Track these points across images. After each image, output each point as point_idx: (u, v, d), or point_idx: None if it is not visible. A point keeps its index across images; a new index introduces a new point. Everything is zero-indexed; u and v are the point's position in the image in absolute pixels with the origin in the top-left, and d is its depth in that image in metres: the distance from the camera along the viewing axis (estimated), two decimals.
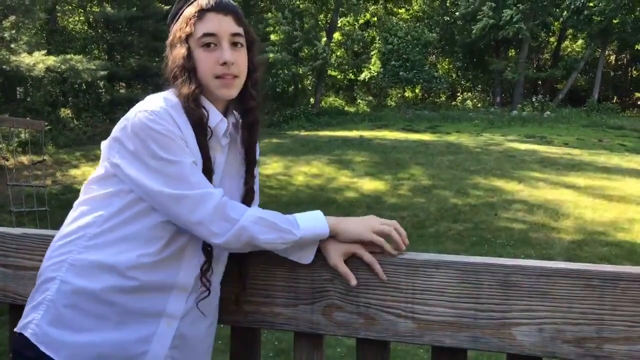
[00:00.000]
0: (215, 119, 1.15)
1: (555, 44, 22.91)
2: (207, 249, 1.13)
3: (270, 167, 11.17)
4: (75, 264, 1.08)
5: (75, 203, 1.17)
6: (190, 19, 1.13)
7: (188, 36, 1.13)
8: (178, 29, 1.15)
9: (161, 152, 1.05)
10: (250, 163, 1.22)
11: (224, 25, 1.13)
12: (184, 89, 1.11)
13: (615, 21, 17.96)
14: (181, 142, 1.08)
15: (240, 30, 1.15)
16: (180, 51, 1.12)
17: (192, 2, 1.15)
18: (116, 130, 1.11)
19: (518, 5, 18.27)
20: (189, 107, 1.10)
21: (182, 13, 1.16)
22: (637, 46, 19.87)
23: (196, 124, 1.11)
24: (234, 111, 1.23)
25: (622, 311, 0.99)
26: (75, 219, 1.14)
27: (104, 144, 1.16)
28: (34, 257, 1.31)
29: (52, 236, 1.21)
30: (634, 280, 0.99)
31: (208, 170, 1.11)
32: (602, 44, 19.36)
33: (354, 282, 1.10)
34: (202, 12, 1.12)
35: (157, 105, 1.09)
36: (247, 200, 1.21)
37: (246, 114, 1.20)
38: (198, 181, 1.07)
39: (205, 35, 1.12)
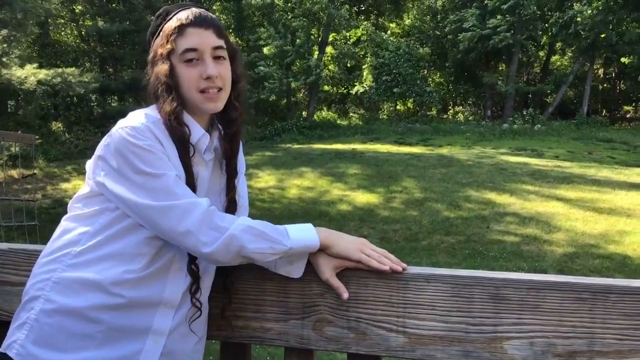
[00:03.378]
0: (197, 134, 1.15)
1: (544, 58, 23.22)
2: (193, 269, 1.11)
3: (262, 180, 11.15)
4: (60, 282, 1.07)
5: (61, 220, 1.16)
6: (170, 35, 1.12)
7: (170, 52, 1.12)
8: (159, 45, 1.14)
9: (144, 167, 1.05)
10: (230, 173, 1.21)
11: (206, 40, 1.12)
12: (166, 106, 1.10)
13: (602, 36, 18.26)
14: (163, 156, 1.08)
15: (221, 43, 1.15)
16: (162, 68, 1.11)
17: (171, 18, 1.14)
18: (100, 148, 1.11)
19: (505, 15, 18.53)
20: (170, 125, 1.10)
21: (161, 29, 1.15)
22: (623, 59, 20.18)
23: (178, 142, 1.11)
24: (219, 124, 1.22)
25: (613, 324, 0.99)
26: (60, 236, 1.13)
27: (88, 163, 1.15)
28: (20, 273, 1.29)
29: (39, 251, 1.20)
30: (624, 293, 0.99)
31: (191, 186, 1.10)
32: (590, 58, 19.65)
33: (345, 295, 1.10)
34: (182, 28, 1.12)
35: (137, 122, 1.09)
36: (229, 212, 1.19)
37: (228, 124, 1.20)
38: (183, 192, 1.06)
39: (187, 50, 1.11)
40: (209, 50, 1.12)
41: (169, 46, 1.11)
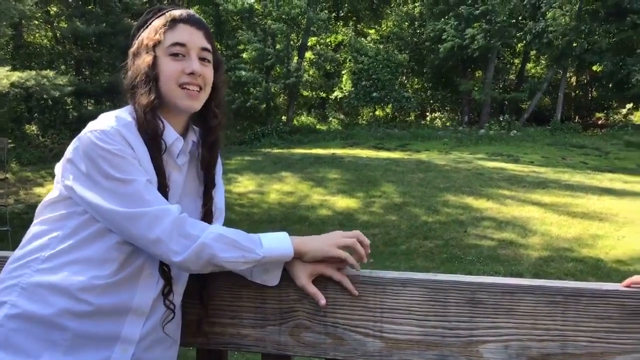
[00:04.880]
0: (171, 137, 1.13)
1: (519, 65, 23.68)
2: (164, 269, 1.09)
3: (242, 184, 11.09)
4: (27, 288, 1.04)
5: (30, 226, 1.13)
6: (160, 28, 1.12)
7: (156, 44, 1.11)
8: (145, 37, 1.13)
9: (113, 172, 1.03)
10: (208, 184, 1.19)
11: (195, 38, 1.13)
12: (143, 98, 1.08)
13: (574, 45, 18.73)
14: (134, 161, 1.05)
15: (209, 46, 1.15)
16: (145, 59, 1.10)
17: (163, 14, 1.14)
18: (69, 151, 1.09)
19: (481, 23, 18.88)
20: (144, 119, 1.07)
21: (150, 23, 1.15)
22: (594, 67, 20.73)
23: (150, 137, 1.08)
24: (196, 128, 1.21)
25: (585, 327, 1.01)
26: (29, 241, 1.10)
27: (57, 166, 1.12)
28: None
29: (7, 257, 1.16)
30: (595, 296, 1.01)
31: (163, 187, 1.08)
32: (562, 66, 20.13)
33: (323, 301, 1.09)
34: (174, 22, 1.12)
35: (107, 125, 1.06)
36: (205, 222, 1.17)
37: (208, 132, 1.19)
38: (154, 198, 1.04)
39: (175, 44, 1.11)
40: (196, 49, 1.13)
41: (157, 37, 1.11)
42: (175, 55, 1.11)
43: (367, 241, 1.12)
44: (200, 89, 1.13)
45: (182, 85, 1.11)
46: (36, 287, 1.04)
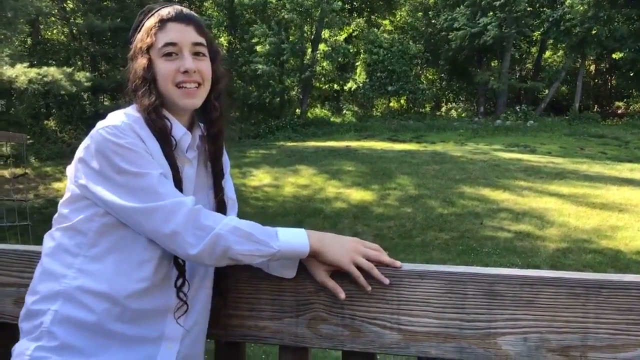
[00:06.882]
0: (179, 132, 1.14)
1: (536, 54, 23.30)
2: (179, 262, 1.10)
3: (257, 178, 11.14)
4: (70, 297, 1.04)
5: (49, 234, 1.12)
6: (151, 30, 1.12)
7: (149, 47, 1.12)
8: (139, 40, 1.14)
9: (127, 166, 1.03)
10: (217, 175, 1.20)
11: (186, 35, 1.12)
12: (145, 100, 1.09)
13: (593, 32, 18.35)
14: (147, 155, 1.06)
15: (202, 40, 1.15)
16: (141, 62, 1.12)
17: (153, 14, 1.15)
18: (80, 151, 1.09)
19: (496, 12, 18.60)
20: (150, 119, 1.08)
21: (142, 25, 1.16)
22: (614, 55, 20.31)
23: (160, 135, 1.09)
24: (200, 123, 1.22)
25: (606, 319, 0.99)
26: (57, 249, 1.09)
27: (69, 168, 1.13)
28: (11, 274, 1.28)
29: (30, 252, 1.18)
30: (616, 287, 0.99)
31: (177, 180, 1.09)
32: (581, 54, 19.75)
33: (342, 295, 1.09)
34: (163, 22, 1.12)
35: (118, 120, 1.07)
36: (219, 213, 1.18)
37: (210, 125, 1.19)
38: (168, 191, 1.04)
39: (167, 44, 1.11)
40: (188, 45, 1.12)
41: (148, 40, 1.12)
42: (168, 55, 1.11)
43: (388, 259, 1.10)
44: (199, 84, 1.13)
45: (178, 85, 1.11)
46: (79, 294, 1.04)
